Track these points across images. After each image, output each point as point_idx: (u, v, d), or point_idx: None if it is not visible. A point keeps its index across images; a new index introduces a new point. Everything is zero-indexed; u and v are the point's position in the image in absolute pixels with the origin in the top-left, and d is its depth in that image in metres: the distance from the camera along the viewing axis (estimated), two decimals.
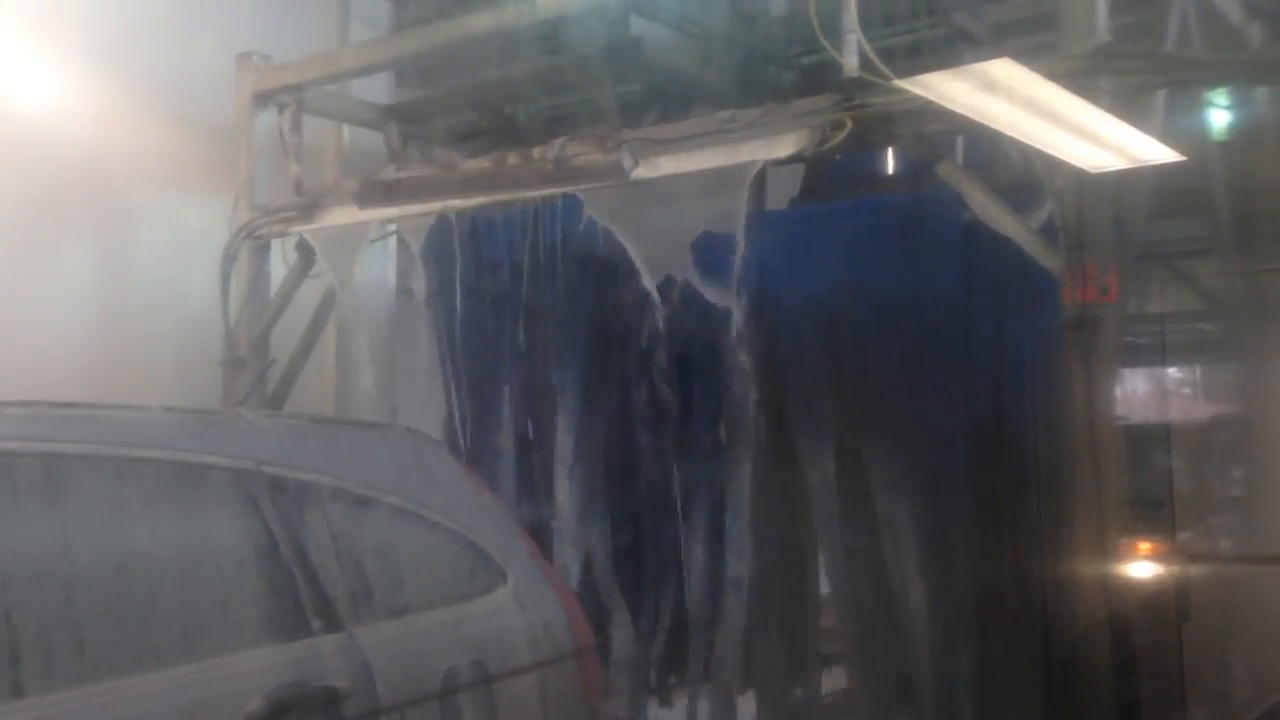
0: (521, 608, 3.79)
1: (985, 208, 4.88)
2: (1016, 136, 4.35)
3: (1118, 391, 4.85)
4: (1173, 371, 6.98)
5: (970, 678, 5.36)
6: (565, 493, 6.12)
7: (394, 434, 4.09)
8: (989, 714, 5.28)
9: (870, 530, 5.56)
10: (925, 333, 5.34)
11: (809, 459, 5.68)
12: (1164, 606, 5.22)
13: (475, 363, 6.46)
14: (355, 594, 3.33)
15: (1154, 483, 5.57)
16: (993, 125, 4.25)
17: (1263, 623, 6.02)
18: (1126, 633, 4.67)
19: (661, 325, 5.89)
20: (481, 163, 5.54)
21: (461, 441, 6.48)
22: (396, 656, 3.31)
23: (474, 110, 6.79)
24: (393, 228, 6.31)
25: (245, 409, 3.97)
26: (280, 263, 6.57)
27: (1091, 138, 4.28)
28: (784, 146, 4.82)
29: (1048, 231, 4.82)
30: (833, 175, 6.43)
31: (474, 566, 3.78)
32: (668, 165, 5.03)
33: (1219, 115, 5.85)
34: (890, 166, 6.69)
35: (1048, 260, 4.77)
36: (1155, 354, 6.35)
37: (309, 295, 6.68)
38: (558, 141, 5.17)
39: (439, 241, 6.13)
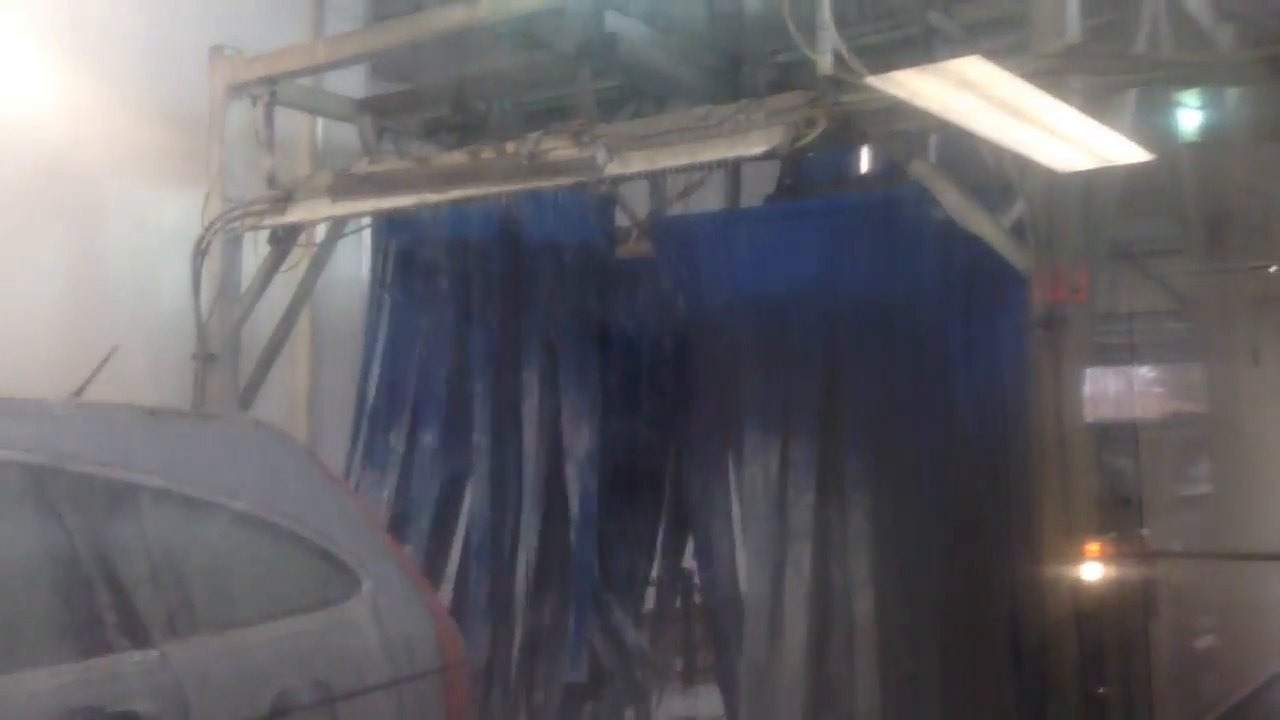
0: (378, 620, 3.44)
1: (957, 206, 4.91)
2: (988, 135, 4.37)
3: (1086, 390, 4.88)
4: (1142, 370, 7.03)
5: (936, 679, 5.38)
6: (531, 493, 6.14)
7: (237, 428, 3.77)
8: (956, 714, 5.31)
9: (817, 530, 5.56)
10: (894, 331, 5.37)
11: (753, 457, 5.70)
12: (1131, 603, 5.25)
13: (415, 354, 6.44)
14: (170, 607, 2.97)
15: (1121, 481, 5.61)
16: (964, 124, 4.27)
17: (1228, 618, 6.08)
18: (1094, 629, 4.70)
19: (627, 324, 5.93)
20: (456, 157, 5.53)
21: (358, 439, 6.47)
22: (217, 676, 2.95)
23: (449, 105, 6.76)
24: (366, 222, 6.28)
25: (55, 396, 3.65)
26: (253, 257, 6.53)
27: (1062, 137, 4.31)
28: (758, 143, 4.82)
29: (1018, 231, 4.86)
30: (807, 174, 6.45)
31: (323, 576, 3.43)
32: (641, 161, 5.02)
33: (1189, 116, 5.90)
34: (864, 166, 6.71)
35: (1018, 259, 4.80)
36: (1124, 353, 6.39)
37: (282, 290, 6.65)
38: (532, 136, 5.16)
39: (400, 234, 6.14)
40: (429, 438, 6.43)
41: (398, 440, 6.50)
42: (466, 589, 6.27)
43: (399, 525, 6.36)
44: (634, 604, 6.39)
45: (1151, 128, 5.22)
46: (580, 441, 6.08)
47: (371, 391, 6.70)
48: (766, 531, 5.65)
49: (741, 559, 5.93)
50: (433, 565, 6.33)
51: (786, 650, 5.54)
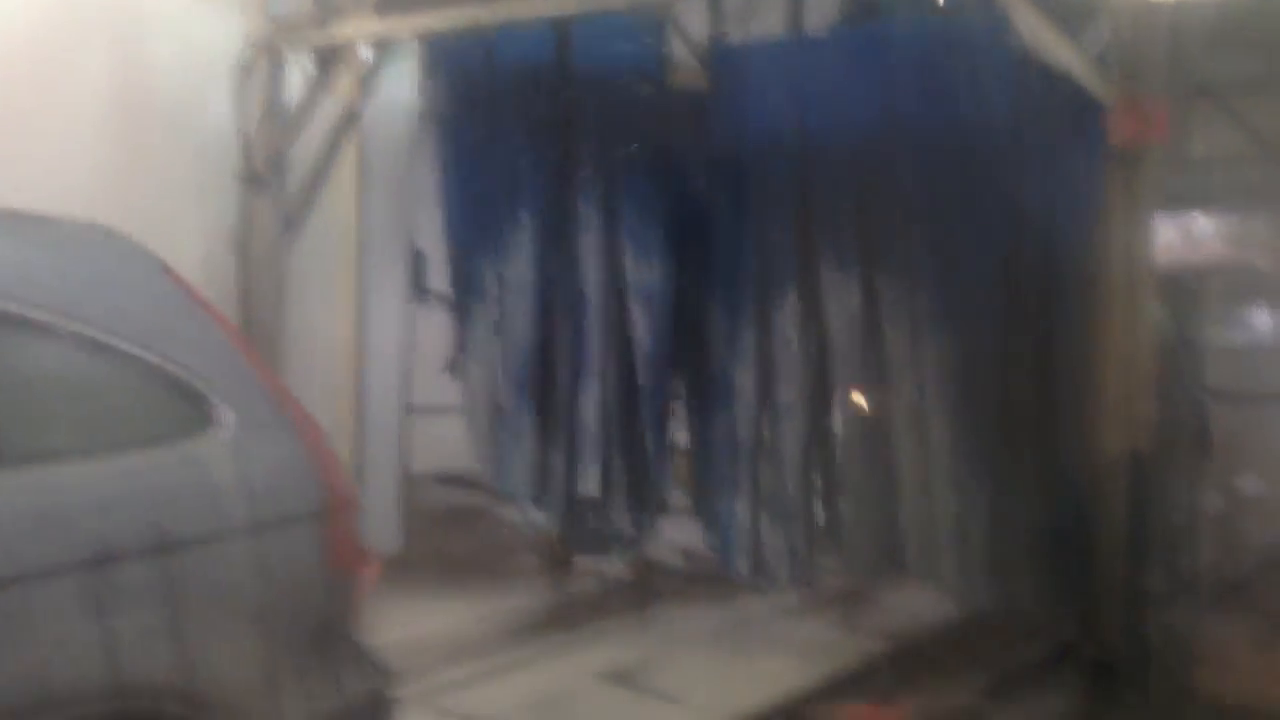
0: (239, 457, 3.00)
1: (1036, 33, 4.72)
2: None
3: (1158, 232, 4.79)
4: (1216, 218, 6.85)
5: (988, 513, 5.45)
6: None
7: (81, 235, 3.21)
8: (1006, 547, 5.39)
9: (893, 365, 5.56)
10: (969, 165, 5.23)
11: (831, 291, 5.65)
12: (1186, 442, 5.27)
13: (476, 191, 6.33)
14: None
15: (1186, 324, 5.56)
16: None
17: (1275, 459, 6.09)
18: (1149, 466, 4.73)
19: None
20: None
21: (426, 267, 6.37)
22: (21, 517, 2.53)
23: None
24: (416, 45, 6.10)
25: None
26: (300, 79, 6.38)
27: None
28: None
29: (1100, 61, 4.68)
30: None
31: (172, 407, 2.98)
32: None
33: None
34: None
35: (1098, 90, 4.65)
36: (1199, 201, 6.23)
37: (328, 113, 6.51)
38: None
39: (454, 56, 5.93)
40: (495, 268, 6.36)
41: (477, 270, 6.41)
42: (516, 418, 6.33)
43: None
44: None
45: None
46: (647, 277, 6.02)
47: (428, 220, 6.60)
48: (861, 365, 5.61)
49: (791, 395, 5.92)
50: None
51: (902, 475, 5.57)
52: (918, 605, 6.02)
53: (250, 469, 3.02)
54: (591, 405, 6.13)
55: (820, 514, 5.87)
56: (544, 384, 6.25)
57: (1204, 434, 5.34)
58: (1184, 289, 5.64)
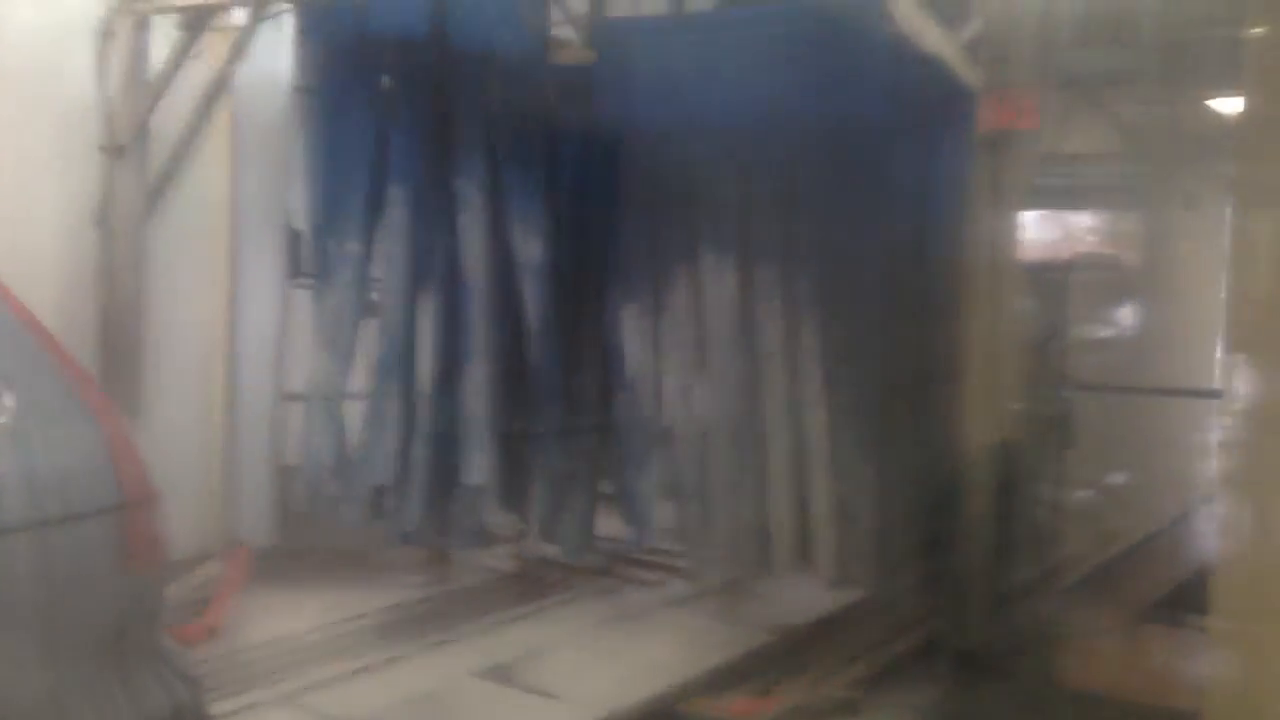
0: (21, 447, 2.81)
1: (911, 18, 4.70)
2: None
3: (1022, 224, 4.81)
4: (1080, 216, 6.99)
5: (863, 501, 5.44)
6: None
7: None
8: (881, 533, 5.39)
9: (767, 351, 5.53)
10: (844, 147, 5.21)
11: (709, 274, 5.59)
12: (1050, 434, 5.31)
13: (344, 165, 6.14)
14: None
15: (1048, 315, 5.61)
16: None
17: (1138, 451, 6.19)
18: (1014, 456, 4.75)
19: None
20: None
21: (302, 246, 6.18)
22: None
23: None
24: (287, 9, 5.88)
25: None
26: (164, 42, 6.11)
27: None
28: None
29: (971, 49, 4.68)
30: None
31: None
32: None
33: None
34: None
35: (969, 77, 4.64)
36: (1064, 197, 6.31)
37: (195, 80, 6.25)
38: None
39: (326, 23, 5.74)
40: (356, 247, 6.17)
41: (336, 249, 6.21)
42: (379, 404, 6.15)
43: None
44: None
45: None
46: (532, 251, 5.90)
47: (299, 196, 6.38)
48: (733, 351, 5.58)
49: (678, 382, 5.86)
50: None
51: (770, 465, 5.55)
52: (795, 597, 6.01)
53: (31, 458, 2.79)
54: (476, 388, 5.98)
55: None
56: (413, 368, 6.07)
57: (1067, 425, 5.39)
58: (1051, 282, 5.70)
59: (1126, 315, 6.83)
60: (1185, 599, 5.45)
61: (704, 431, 5.75)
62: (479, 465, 5.98)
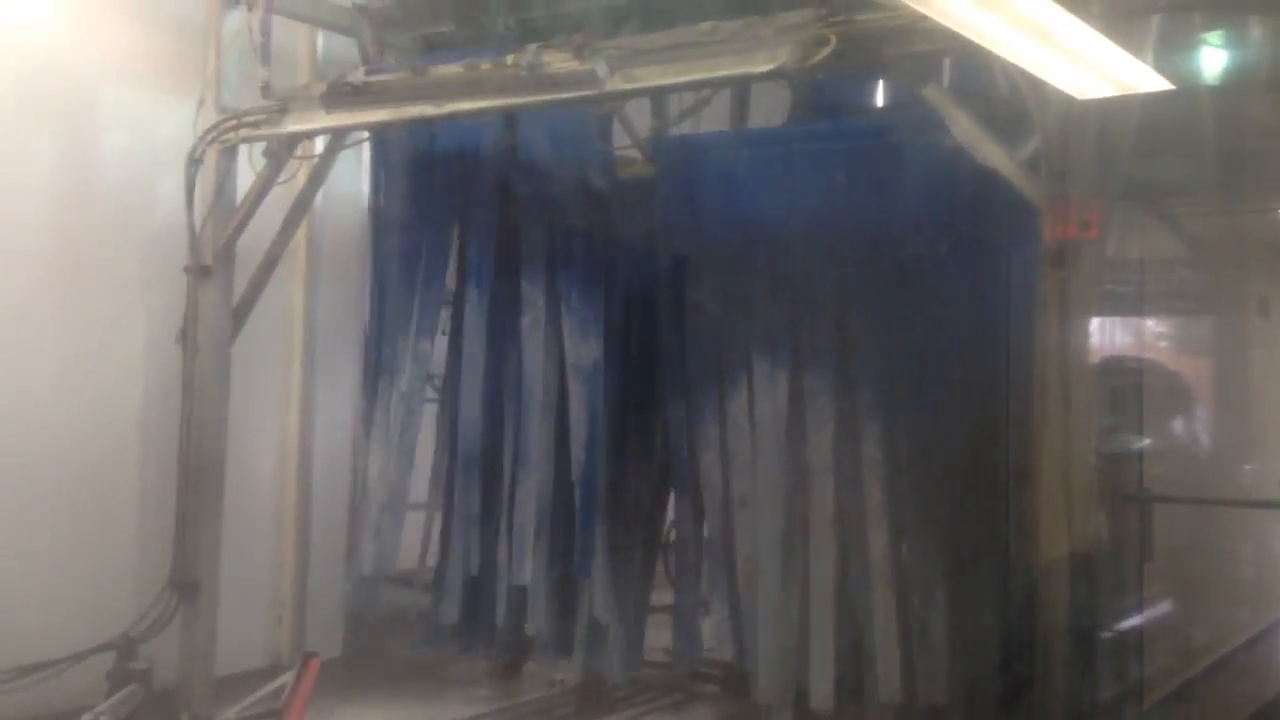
0: None
1: (969, 134, 4.76)
2: (1006, 55, 4.21)
3: (1093, 333, 4.77)
4: (1150, 322, 6.91)
5: (931, 616, 5.34)
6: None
7: None
8: (950, 649, 5.27)
9: (837, 463, 5.51)
10: (902, 261, 5.25)
11: (763, 386, 5.62)
12: (1127, 547, 5.19)
13: (412, 274, 6.37)
14: None
15: (1123, 427, 5.52)
16: (982, 43, 4.11)
17: (1223, 567, 6.01)
18: (1088, 571, 4.63)
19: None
20: (453, 68, 5.37)
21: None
22: None
23: (451, 19, 6.58)
24: (365, 136, 6.14)
25: None
26: (248, 168, 6.40)
27: (1082, 61, 4.14)
28: (764, 61, 4.67)
29: (1032, 164, 4.72)
30: (819, 103, 6.28)
31: None
32: (644, 77, 4.88)
33: (1211, 55, 5.72)
34: (879, 98, 6.54)
35: (1030, 191, 4.67)
36: (1133, 303, 6.26)
37: (278, 204, 6.53)
38: (531, 48, 5.01)
39: (398, 150, 5.98)
40: (426, 346, 6.41)
41: (405, 350, 6.43)
42: (453, 499, 6.24)
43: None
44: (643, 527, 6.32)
45: (1173, 64, 5.06)
46: (585, 355, 6.02)
47: (377, 308, 6.61)
48: (782, 464, 5.58)
49: (735, 492, 5.85)
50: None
51: (816, 582, 5.50)
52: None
53: None
54: (527, 494, 6.07)
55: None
56: (487, 469, 6.21)
57: (1145, 537, 5.26)
58: (1125, 390, 5.62)
59: (1201, 424, 6.70)
60: (1273, 715, 5.22)
61: (755, 546, 5.73)
62: (526, 569, 6.07)
